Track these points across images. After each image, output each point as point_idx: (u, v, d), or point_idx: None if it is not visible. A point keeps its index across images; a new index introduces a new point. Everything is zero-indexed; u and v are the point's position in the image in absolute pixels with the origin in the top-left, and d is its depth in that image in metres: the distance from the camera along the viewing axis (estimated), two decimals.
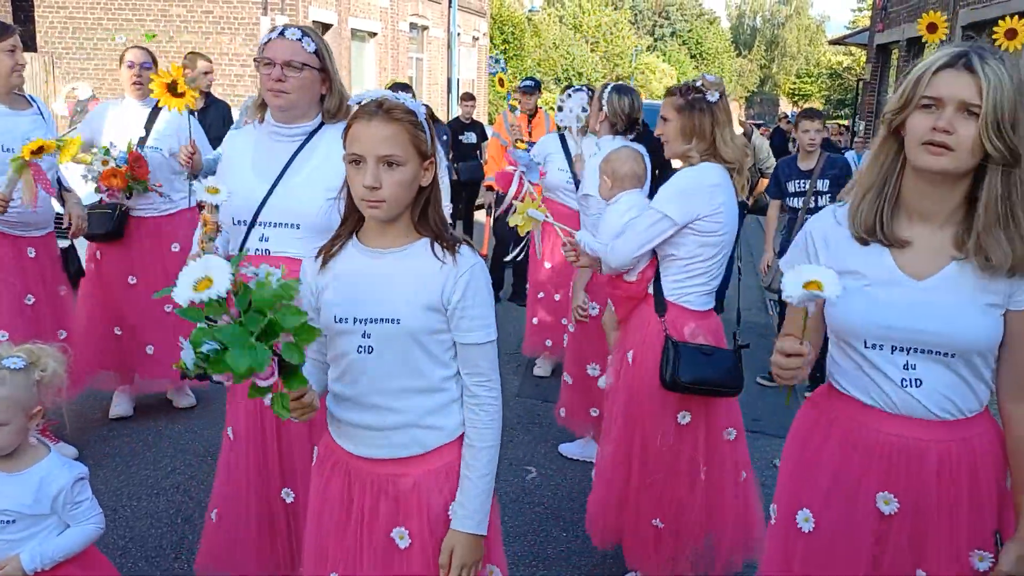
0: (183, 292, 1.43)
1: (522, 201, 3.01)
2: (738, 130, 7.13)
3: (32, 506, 2.02)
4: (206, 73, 6.11)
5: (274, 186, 2.50)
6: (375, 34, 18.16)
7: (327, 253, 1.89)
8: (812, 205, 5.45)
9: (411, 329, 1.81)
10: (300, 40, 2.46)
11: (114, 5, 14.93)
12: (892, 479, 1.80)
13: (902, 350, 1.76)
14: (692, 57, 57.50)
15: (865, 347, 1.81)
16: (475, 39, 24.73)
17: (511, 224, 2.98)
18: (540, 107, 8.04)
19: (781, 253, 5.47)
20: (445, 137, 9.67)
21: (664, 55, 55.90)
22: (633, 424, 2.88)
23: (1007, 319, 1.74)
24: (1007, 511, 1.82)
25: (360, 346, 1.83)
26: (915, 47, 13.15)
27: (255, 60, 2.54)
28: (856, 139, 14.74)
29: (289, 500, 2.54)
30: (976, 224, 1.69)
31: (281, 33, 2.48)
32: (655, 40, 58.60)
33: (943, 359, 1.75)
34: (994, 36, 5.75)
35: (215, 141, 6.35)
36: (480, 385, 1.89)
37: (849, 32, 15.94)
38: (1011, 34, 5.23)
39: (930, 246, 1.76)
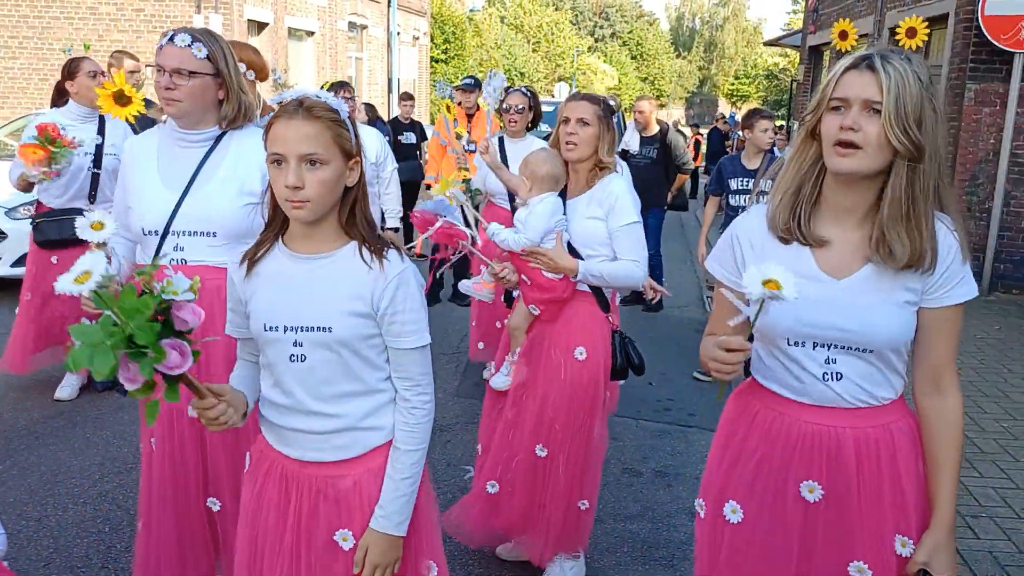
0: (64, 281, 1.42)
1: (449, 176, 3.10)
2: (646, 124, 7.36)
3: None
4: (132, 72, 5.99)
5: (185, 194, 2.45)
6: (313, 33, 17.93)
7: (252, 259, 1.85)
8: (756, 204, 5.57)
9: (343, 337, 1.79)
10: (190, 46, 2.39)
11: (41, 3, 14.48)
12: (814, 467, 1.84)
13: (823, 346, 1.80)
14: (633, 58, 58.10)
15: (788, 344, 1.84)
16: (415, 38, 24.60)
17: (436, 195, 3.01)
18: (479, 105, 8.03)
19: None
20: (387, 137, 9.61)
21: (605, 56, 56.36)
22: (578, 418, 2.94)
23: (919, 315, 1.79)
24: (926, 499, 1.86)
25: (292, 355, 1.80)
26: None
27: (149, 66, 2.48)
28: (793, 139, 15.04)
29: (216, 508, 2.50)
30: (880, 219, 1.74)
31: (171, 39, 2.41)
32: (596, 41, 59.03)
33: (861, 354, 1.80)
34: (896, 36, 5.92)
35: None
36: (409, 389, 1.88)
37: (783, 34, 16.26)
38: (911, 33, 5.50)
39: (848, 245, 1.79)
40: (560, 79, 44.38)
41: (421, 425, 1.88)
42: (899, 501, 1.84)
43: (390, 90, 21.46)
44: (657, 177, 7.48)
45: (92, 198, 4.67)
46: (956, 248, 1.76)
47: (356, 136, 1.80)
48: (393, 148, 9.02)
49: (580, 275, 2.86)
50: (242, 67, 3.75)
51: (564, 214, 2.95)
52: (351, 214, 1.81)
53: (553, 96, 33.52)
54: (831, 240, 1.80)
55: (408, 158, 9.07)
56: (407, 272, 1.82)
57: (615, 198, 2.86)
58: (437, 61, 31.31)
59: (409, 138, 9.45)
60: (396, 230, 5.62)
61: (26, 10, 14.50)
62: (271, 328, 1.80)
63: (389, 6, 21.49)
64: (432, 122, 12.50)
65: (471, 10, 34.93)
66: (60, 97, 4.75)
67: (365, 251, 1.80)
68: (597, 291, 2.98)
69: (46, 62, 14.32)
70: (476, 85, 7.99)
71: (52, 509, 3.58)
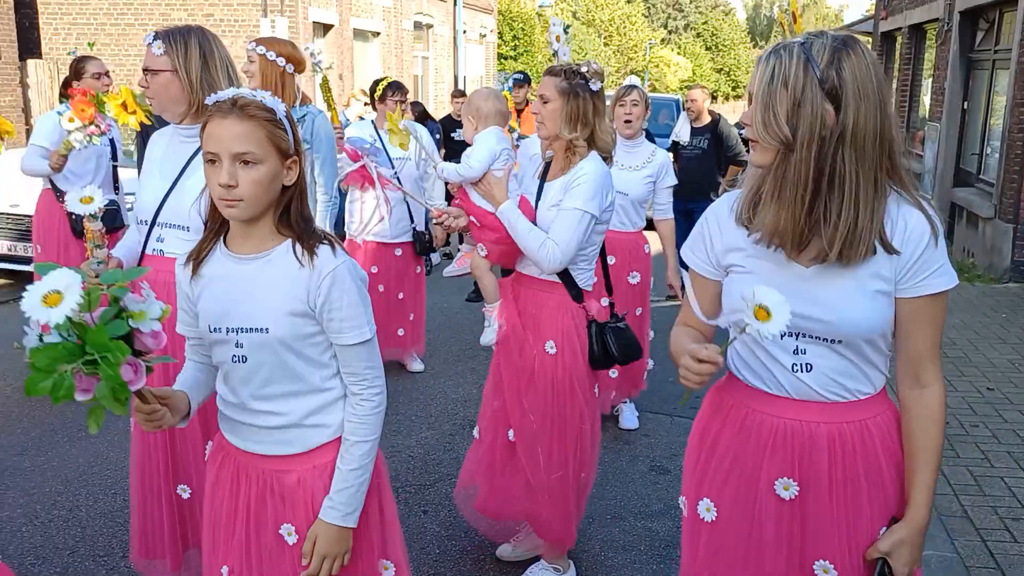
0: (29, 300, 1.39)
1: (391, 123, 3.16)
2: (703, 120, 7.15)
3: None
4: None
5: (172, 187, 2.51)
6: (378, 33, 18.17)
7: (196, 259, 1.86)
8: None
9: (280, 337, 1.79)
10: (150, 45, 2.47)
11: (116, 10, 15.04)
12: (788, 464, 1.78)
13: (791, 335, 1.73)
14: (707, 49, 57.12)
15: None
16: (482, 36, 24.70)
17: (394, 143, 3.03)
18: (530, 100, 8.04)
19: None
20: (437, 135, 9.66)
21: (679, 48, 55.59)
22: (555, 412, 2.89)
23: (896, 305, 1.70)
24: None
25: (234, 355, 1.82)
26: (917, 34, 12.95)
27: None
28: None
29: (186, 496, 2.58)
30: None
31: (148, 44, 2.51)
32: (669, 33, 58.25)
33: (830, 345, 1.72)
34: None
35: None
36: (356, 384, 1.88)
37: (856, 20, 15.71)
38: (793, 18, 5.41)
39: None
40: (632, 72, 43.95)
41: (370, 417, 1.87)
42: (880, 496, 1.76)
43: (456, 87, 21.61)
44: (707, 168, 7.31)
45: (117, 189, 4.83)
46: (928, 233, 1.65)
47: (295, 136, 1.79)
48: (445, 145, 9.11)
49: (499, 211, 2.83)
50: (280, 61, 3.82)
51: (514, 161, 2.95)
52: (286, 212, 1.80)
53: None
54: None
55: (460, 155, 9.10)
56: (341, 268, 1.80)
57: (576, 183, 2.76)
58: (505, 58, 31.40)
59: (461, 135, 9.48)
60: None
61: (103, 18, 15.09)
62: (215, 330, 1.82)
63: (455, 5, 21.63)
64: None
65: (540, 6, 34.86)
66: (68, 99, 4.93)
67: (298, 248, 1.79)
68: (568, 281, 2.87)
69: (123, 67, 14.85)
70: (526, 80, 8.01)
71: (84, 499, 3.71)
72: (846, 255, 1.63)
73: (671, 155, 5.74)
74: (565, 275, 2.86)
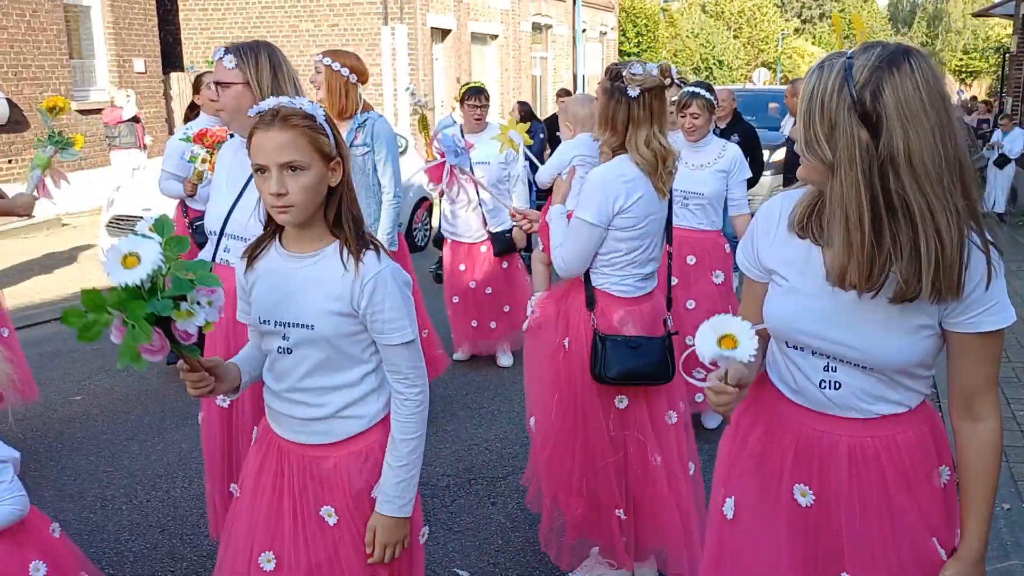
0: (115, 249, 1.52)
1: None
2: None
3: None
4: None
5: (237, 199, 2.62)
6: (496, 36, 18.43)
7: (251, 255, 1.98)
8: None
9: (325, 335, 1.89)
10: (222, 59, 2.58)
11: (250, 23, 15.92)
12: (806, 471, 1.75)
13: (822, 355, 1.69)
14: (845, 38, 54.74)
15: (787, 346, 1.75)
16: (603, 34, 24.62)
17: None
18: None
19: None
20: (542, 135, 9.74)
21: (814, 38, 53.55)
22: (568, 411, 2.89)
23: (947, 336, 1.62)
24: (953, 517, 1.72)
25: (280, 347, 1.94)
26: None
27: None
28: (1002, 118, 13.64)
29: (237, 495, 2.73)
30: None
31: (214, 54, 2.64)
32: (803, 23, 56.21)
33: (862, 370, 1.67)
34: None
35: None
36: (400, 382, 1.96)
37: (996, 3, 14.69)
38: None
39: None
40: (763, 65, 42.65)
41: (414, 416, 1.95)
42: (916, 515, 1.69)
43: (575, 86, 21.63)
44: None
45: None
46: (980, 273, 1.55)
47: (336, 138, 1.87)
48: (550, 145, 9.17)
49: (550, 213, 2.89)
50: (345, 71, 4.00)
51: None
52: (337, 214, 1.89)
53: (752, 83, 32.36)
54: None
55: None
56: (384, 272, 1.87)
57: (582, 189, 2.74)
58: (628, 55, 31.13)
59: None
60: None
61: (237, 31, 15.99)
62: (264, 322, 1.94)
63: (574, 4, 21.66)
64: None
65: (665, 1, 34.39)
66: (191, 112, 5.26)
67: (345, 252, 1.87)
68: (586, 284, 2.85)
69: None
70: None
71: (180, 482, 3.99)
72: (941, 291, 1.52)
73: (783, 151, 5.59)
74: (585, 277, 2.86)
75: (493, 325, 5.55)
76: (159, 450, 4.35)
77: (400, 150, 10.01)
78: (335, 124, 1.93)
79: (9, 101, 11.08)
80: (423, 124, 5.28)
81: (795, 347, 1.73)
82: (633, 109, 2.67)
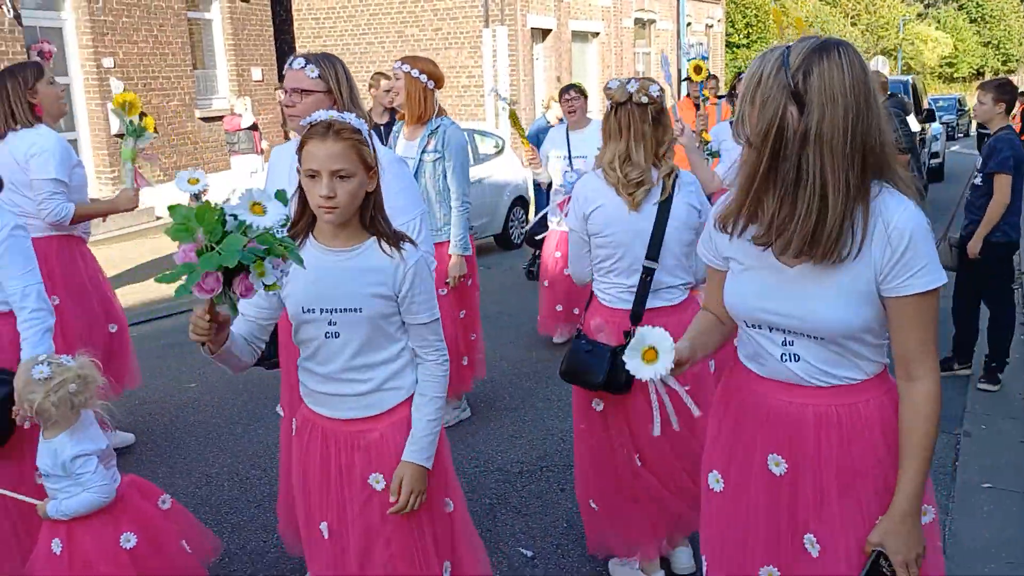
0: (242, 203, 1.69)
1: None
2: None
3: (51, 467, 2.47)
4: (387, 91, 6.88)
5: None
6: (597, 34, 18.51)
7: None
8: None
9: (370, 316, 2.16)
10: (304, 68, 2.73)
11: (359, 30, 16.57)
12: (777, 441, 1.88)
13: (779, 330, 1.84)
14: (972, 22, 51.99)
15: (747, 326, 1.91)
16: (708, 26, 24.30)
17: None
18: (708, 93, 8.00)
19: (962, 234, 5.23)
20: None
21: (938, 22, 51.05)
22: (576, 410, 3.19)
23: (884, 303, 1.75)
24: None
25: (327, 332, 2.18)
26: None
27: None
28: None
29: None
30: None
31: (291, 63, 2.79)
32: (926, 7, 53.60)
33: (816, 340, 1.80)
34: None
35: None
36: (428, 352, 2.27)
37: None
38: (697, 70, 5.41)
39: None
40: (882, 52, 40.99)
41: (440, 378, 2.28)
42: (879, 478, 1.81)
43: (679, 81, 21.46)
44: None
45: None
46: (908, 232, 1.69)
47: (374, 150, 2.12)
48: None
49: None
50: (423, 77, 4.21)
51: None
52: (372, 216, 2.15)
53: None
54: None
55: None
56: (421, 261, 2.19)
57: None
58: (737, 46, 30.58)
59: None
60: None
61: (348, 38, 16.67)
62: (308, 310, 2.17)
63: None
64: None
65: None
66: None
67: (385, 244, 2.15)
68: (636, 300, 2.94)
69: (364, 84, 16.33)
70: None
71: (275, 462, 4.33)
72: (812, 254, 1.71)
73: None
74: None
75: (576, 311, 5.78)
76: (260, 433, 4.73)
77: (497, 149, 10.35)
78: (374, 138, 2.18)
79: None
80: (514, 119, 5.52)
81: (754, 326, 1.88)
82: (608, 123, 2.89)
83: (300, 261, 1.77)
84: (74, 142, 11.13)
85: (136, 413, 5.03)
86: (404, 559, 2.23)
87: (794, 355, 1.84)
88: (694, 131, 5.98)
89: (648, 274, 2.90)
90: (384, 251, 2.15)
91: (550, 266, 6.03)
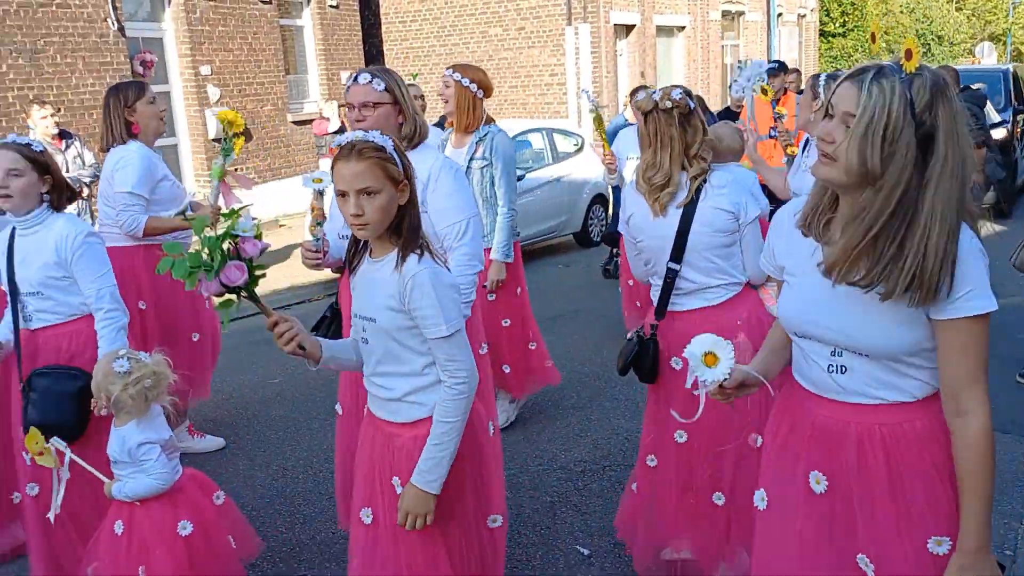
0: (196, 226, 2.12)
1: None
2: None
3: (119, 453, 2.70)
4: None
5: None
6: (683, 28, 18.30)
7: (351, 264, 2.35)
8: None
9: (385, 327, 2.21)
10: (371, 83, 2.89)
11: (444, 32, 16.82)
12: (820, 459, 1.88)
13: (827, 343, 1.84)
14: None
15: (796, 336, 1.92)
16: (801, 16, 23.68)
17: None
18: (787, 88, 7.87)
19: None
20: None
21: None
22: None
23: (933, 326, 1.72)
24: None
25: (362, 337, 2.29)
26: None
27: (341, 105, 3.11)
28: None
29: None
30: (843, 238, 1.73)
31: (355, 79, 2.95)
32: None
33: (863, 356, 1.80)
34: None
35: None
36: (442, 371, 2.22)
37: None
38: (908, 55, 4.81)
39: None
40: (990, 37, 39.06)
41: (451, 402, 2.20)
42: (923, 500, 1.79)
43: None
44: None
45: None
46: (960, 256, 1.66)
47: (403, 164, 2.19)
48: None
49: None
50: (473, 86, 4.27)
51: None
52: (397, 226, 2.20)
53: (974, 59, 29.82)
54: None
55: None
56: (420, 274, 2.14)
57: None
58: (833, 35, 29.69)
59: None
60: None
61: (433, 40, 16.95)
62: (353, 315, 2.32)
63: None
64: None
65: None
66: None
67: (399, 256, 2.17)
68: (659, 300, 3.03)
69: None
70: (781, 68, 7.84)
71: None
72: (914, 297, 1.66)
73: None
74: None
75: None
76: (330, 426, 4.92)
77: (576, 148, 10.37)
78: (403, 152, 2.23)
79: None
80: (598, 122, 5.56)
81: (803, 336, 1.88)
82: (640, 133, 2.98)
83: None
84: (174, 147, 11.72)
85: (223, 407, 5.32)
86: (420, 569, 2.28)
87: (841, 367, 1.83)
88: (776, 129, 5.89)
89: (671, 275, 2.95)
90: (396, 263, 2.18)
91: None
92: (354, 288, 2.36)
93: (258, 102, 12.92)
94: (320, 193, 2.85)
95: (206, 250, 2.04)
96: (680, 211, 2.90)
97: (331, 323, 3.29)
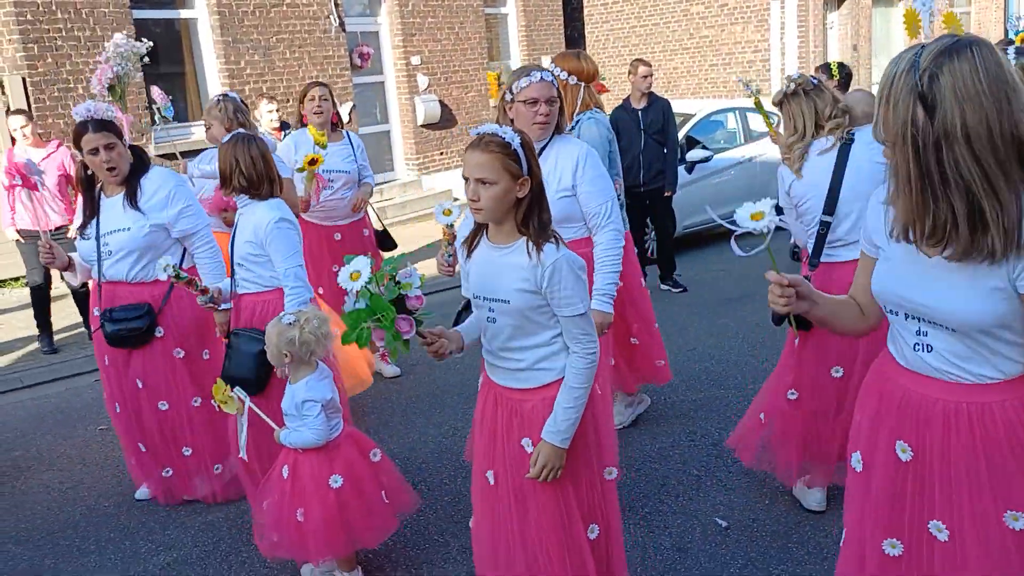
0: (342, 276, 2.28)
1: None
2: None
3: (288, 407, 3.12)
4: (644, 77, 7.17)
5: None
6: None
7: (470, 246, 2.60)
8: None
9: (517, 307, 2.44)
10: (551, 80, 3.34)
11: (644, 12, 16.80)
12: (906, 430, 1.97)
13: (914, 318, 1.91)
14: None
15: (887, 311, 2.01)
16: None
17: None
18: None
19: None
20: None
21: None
22: None
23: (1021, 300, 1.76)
24: None
25: (488, 317, 2.55)
26: None
27: (515, 101, 3.37)
28: None
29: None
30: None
31: (541, 77, 3.34)
32: None
33: (949, 331, 1.85)
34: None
35: (658, 135, 7.33)
36: (573, 344, 2.46)
37: None
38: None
39: None
40: None
41: (585, 370, 2.46)
42: (1009, 477, 1.84)
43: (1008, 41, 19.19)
44: None
45: None
46: None
47: (529, 160, 2.41)
48: None
49: None
50: (564, 74, 4.36)
51: None
52: (525, 218, 2.43)
53: None
54: None
55: None
56: (560, 260, 2.38)
57: None
58: None
59: None
60: None
61: (634, 21, 16.99)
62: (476, 297, 2.58)
63: None
64: None
65: None
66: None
67: (530, 245, 2.40)
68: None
69: (655, 60, 16.56)
70: None
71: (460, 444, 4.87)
72: (1002, 249, 1.70)
73: None
74: None
75: None
76: (472, 404, 5.28)
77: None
78: (532, 150, 2.45)
79: (441, 103, 13.20)
80: (758, 105, 5.52)
81: (892, 312, 1.96)
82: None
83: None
84: (386, 133, 12.63)
85: (411, 373, 5.83)
86: (550, 517, 2.53)
87: (927, 345, 1.89)
88: None
89: (824, 228, 3.44)
90: (528, 251, 2.40)
91: None
92: (468, 271, 2.60)
93: (463, 89, 13.60)
94: (451, 226, 3.17)
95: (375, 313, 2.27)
96: (831, 168, 3.34)
97: (462, 311, 3.62)
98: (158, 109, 5.06)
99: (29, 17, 8.55)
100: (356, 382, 4.72)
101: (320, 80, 5.82)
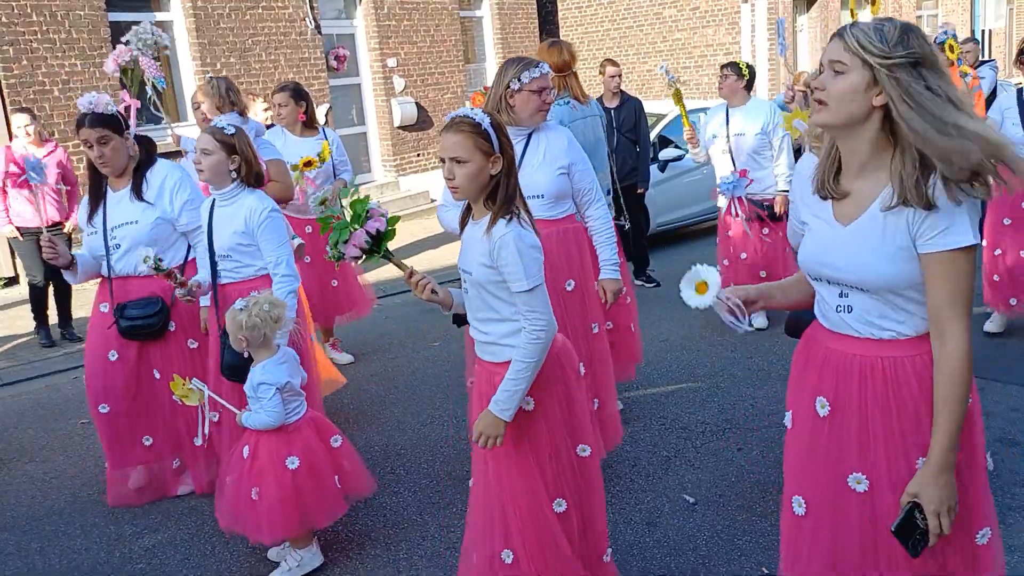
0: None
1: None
2: None
3: (247, 388, 3.26)
4: (612, 76, 7.34)
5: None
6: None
7: (463, 222, 2.76)
8: None
9: (478, 279, 2.58)
10: (548, 73, 3.57)
11: (618, 16, 17.01)
12: (825, 386, 2.13)
13: (835, 283, 2.08)
14: None
15: (811, 279, 2.17)
16: None
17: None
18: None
19: None
20: None
21: None
22: None
23: (921, 261, 1.93)
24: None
25: (464, 288, 2.70)
26: None
27: (521, 91, 3.55)
28: None
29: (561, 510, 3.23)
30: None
31: (542, 71, 3.55)
32: None
33: (865, 292, 2.02)
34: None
35: (630, 132, 7.52)
36: (524, 319, 2.54)
37: None
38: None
39: (860, 195, 2.02)
40: None
41: (529, 346, 2.53)
42: (914, 427, 2.00)
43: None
44: None
45: None
46: (941, 196, 1.86)
47: (500, 139, 2.55)
48: None
49: None
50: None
51: None
52: (491, 194, 2.57)
53: None
54: (850, 192, 2.04)
55: None
56: (507, 236, 2.48)
57: None
58: None
59: None
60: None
61: (608, 24, 17.19)
62: (459, 268, 2.73)
63: None
64: None
65: None
66: None
67: (491, 220, 2.55)
68: None
69: (626, 63, 16.77)
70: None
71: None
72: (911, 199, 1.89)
73: None
74: None
75: None
76: (446, 395, 5.42)
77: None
78: (502, 128, 2.59)
79: (417, 104, 13.32)
80: (678, 97, 5.64)
81: (816, 279, 2.13)
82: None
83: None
84: (363, 135, 12.73)
85: (389, 365, 5.96)
86: (518, 487, 2.66)
87: (848, 307, 2.06)
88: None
89: None
90: (488, 226, 2.54)
91: (724, 246, 6.32)
92: (463, 241, 2.76)
93: (439, 91, 13.72)
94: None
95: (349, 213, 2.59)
96: None
97: None
98: (150, 80, 4.85)
99: (4, 20, 8.58)
100: (330, 380, 4.84)
101: (295, 82, 5.90)
